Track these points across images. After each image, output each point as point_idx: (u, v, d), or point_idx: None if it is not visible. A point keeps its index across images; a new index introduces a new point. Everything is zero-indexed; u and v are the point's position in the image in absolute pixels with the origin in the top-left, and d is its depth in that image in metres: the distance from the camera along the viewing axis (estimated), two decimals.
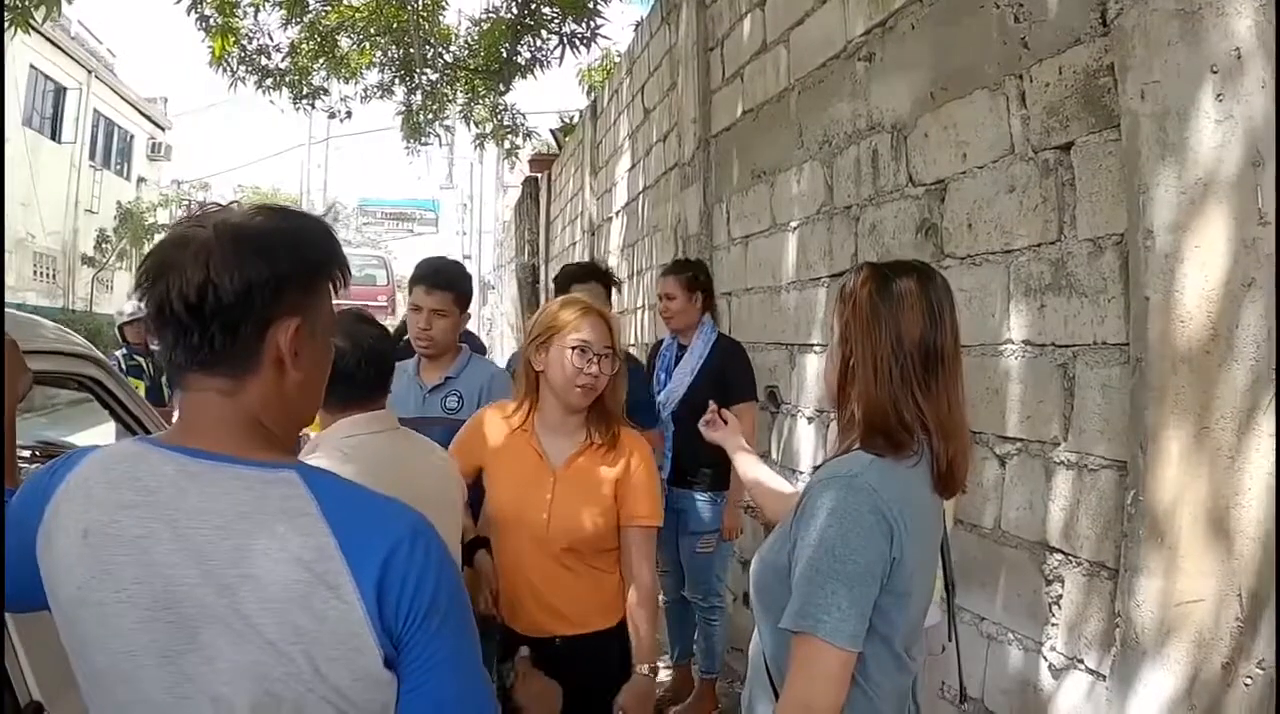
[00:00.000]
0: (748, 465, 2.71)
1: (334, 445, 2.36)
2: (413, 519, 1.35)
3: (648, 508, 2.94)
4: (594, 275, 4.95)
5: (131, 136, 34.63)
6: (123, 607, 1.26)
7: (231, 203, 1.42)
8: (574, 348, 2.84)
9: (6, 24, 7.88)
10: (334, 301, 1.47)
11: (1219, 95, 2.38)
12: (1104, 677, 2.79)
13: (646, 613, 2.92)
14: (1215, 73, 2.38)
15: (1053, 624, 3.08)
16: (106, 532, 1.28)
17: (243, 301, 1.28)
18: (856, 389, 1.99)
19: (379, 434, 2.49)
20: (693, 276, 5.21)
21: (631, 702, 2.83)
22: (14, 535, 1.38)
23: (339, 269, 1.44)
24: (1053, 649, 3.07)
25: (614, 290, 5.13)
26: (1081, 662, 2.94)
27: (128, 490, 1.29)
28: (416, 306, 3.86)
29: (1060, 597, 3.04)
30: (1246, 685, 2.35)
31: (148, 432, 2.91)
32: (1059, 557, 3.05)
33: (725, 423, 2.81)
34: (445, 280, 3.90)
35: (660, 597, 3.57)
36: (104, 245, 30.44)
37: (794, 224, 5.23)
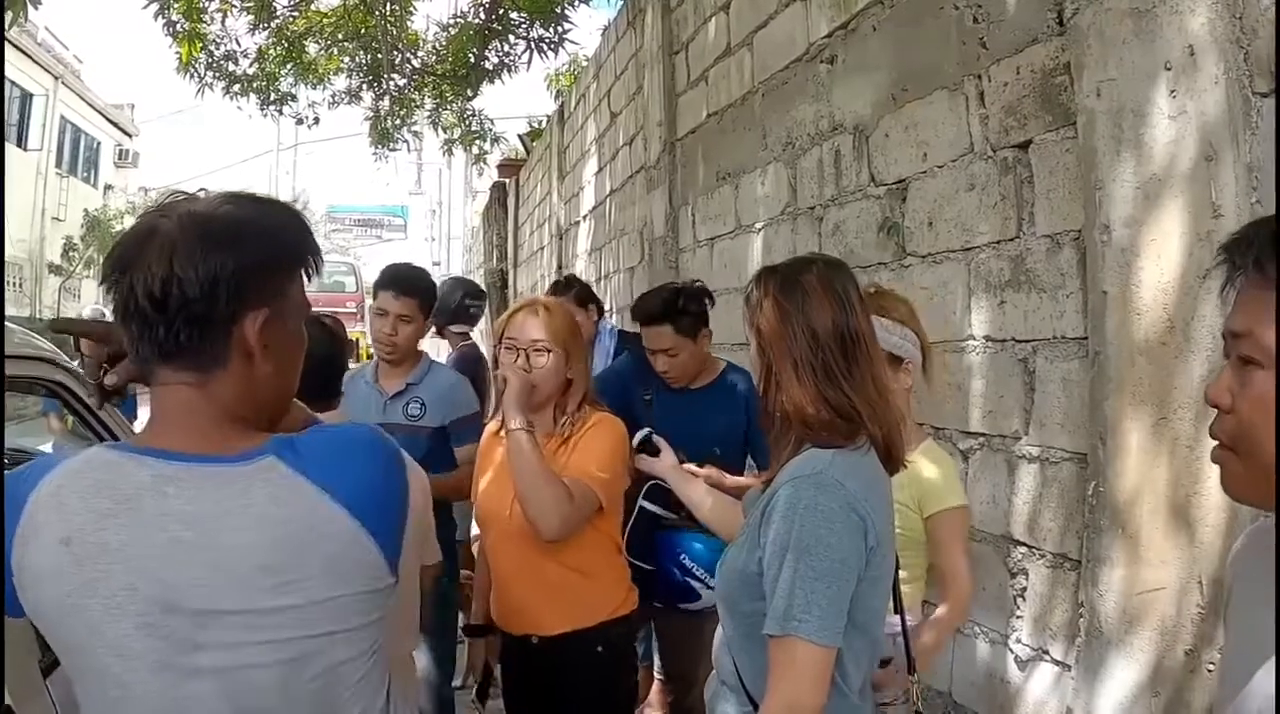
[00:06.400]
0: (689, 488, 2.72)
1: None
2: (369, 432, 1.42)
3: (582, 465, 2.76)
4: (666, 315, 3.61)
5: (99, 143, 34.21)
6: (113, 614, 1.25)
7: (199, 190, 1.39)
8: (505, 348, 2.85)
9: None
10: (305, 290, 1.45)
11: (1173, 91, 2.41)
12: (1070, 667, 2.82)
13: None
14: (1169, 69, 2.42)
15: (1018, 616, 3.11)
16: (89, 541, 1.25)
17: (208, 295, 1.26)
18: (785, 394, 1.97)
19: None
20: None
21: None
22: None
23: (310, 256, 1.42)
24: (1018, 641, 3.11)
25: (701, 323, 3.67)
26: (1047, 653, 2.97)
27: (105, 499, 1.27)
28: (382, 311, 3.86)
29: (1025, 589, 3.07)
30: (1209, 672, 2.38)
31: (115, 438, 2.88)
32: (1023, 550, 3.08)
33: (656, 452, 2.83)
34: (413, 287, 3.91)
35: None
36: (71, 253, 30.04)
37: (759, 225, 5.26)
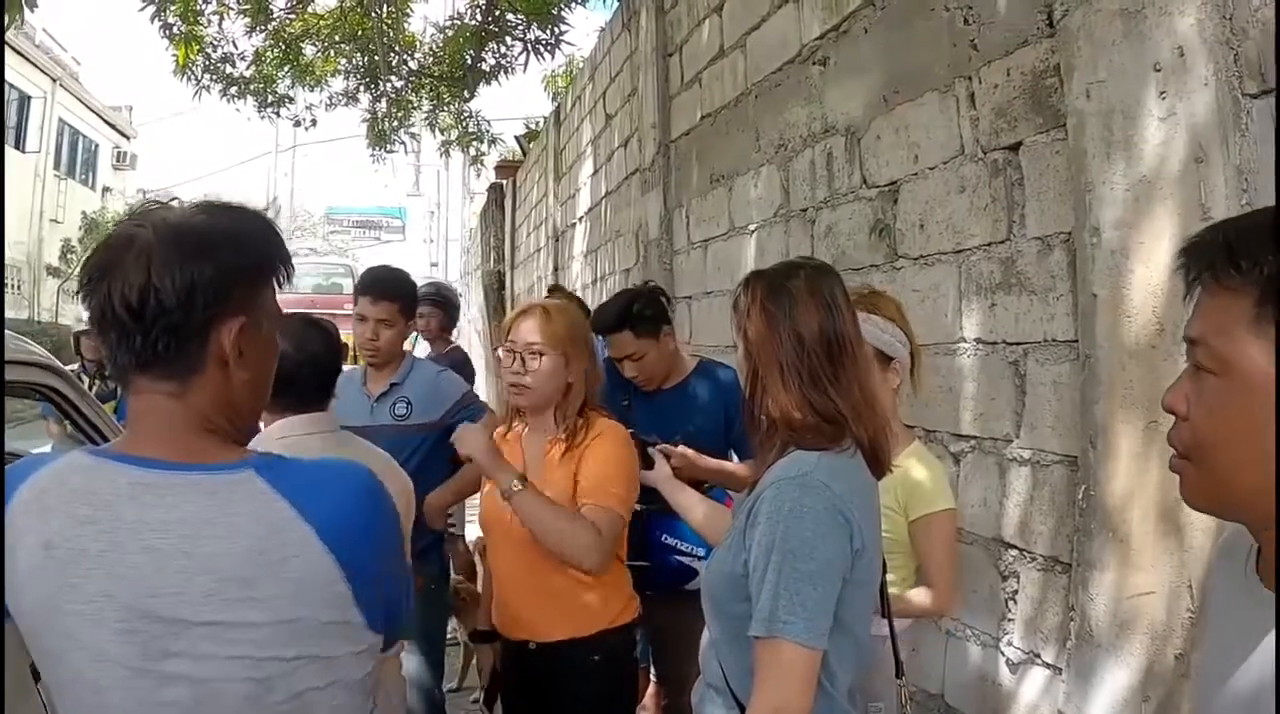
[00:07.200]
0: (682, 496, 2.76)
1: (265, 446, 2.36)
2: (361, 471, 1.42)
3: (599, 480, 2.78)
4: (624, 322, 3.72)
5: (96, 145, 34.16)
6: (89, 621, 1.26)
7: (172, 200, 1.41)
8: (504, 350, 2.86)
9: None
10: (278, 295, 1.47)
11: (1162, 93, 2.40)
12: (1061, 670, 2.81)
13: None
14: (1159, 71, 2.40)
15: (1009, 619, 3.10)
16: (69, 546, 1.27)
17: (185, 304, 1.28)
18: (771, 398, 1.98)
19: (313, 436, 2.49)
20: None
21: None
22: None
23: (281, 263, 1.44)
24: (1010, 644, 3.10)
25: (658, 328, 3.73)
26: (1039, 656, 2.96)
27: (84, 505, 1.28)
28: (362, 316, 3.87)
29: (1016, 592, 3.06)
30: None
31: (107, 441, 2.88)
32: (1014, 552, 3.07)
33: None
34: (391, 291, 3.91)
35: None
36: (69, 256, 29.99)
37: (752, 227, 5.24)
